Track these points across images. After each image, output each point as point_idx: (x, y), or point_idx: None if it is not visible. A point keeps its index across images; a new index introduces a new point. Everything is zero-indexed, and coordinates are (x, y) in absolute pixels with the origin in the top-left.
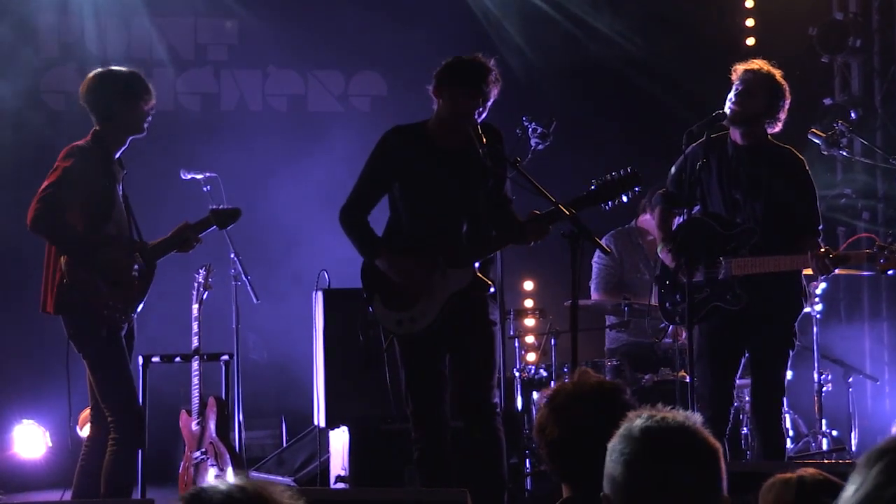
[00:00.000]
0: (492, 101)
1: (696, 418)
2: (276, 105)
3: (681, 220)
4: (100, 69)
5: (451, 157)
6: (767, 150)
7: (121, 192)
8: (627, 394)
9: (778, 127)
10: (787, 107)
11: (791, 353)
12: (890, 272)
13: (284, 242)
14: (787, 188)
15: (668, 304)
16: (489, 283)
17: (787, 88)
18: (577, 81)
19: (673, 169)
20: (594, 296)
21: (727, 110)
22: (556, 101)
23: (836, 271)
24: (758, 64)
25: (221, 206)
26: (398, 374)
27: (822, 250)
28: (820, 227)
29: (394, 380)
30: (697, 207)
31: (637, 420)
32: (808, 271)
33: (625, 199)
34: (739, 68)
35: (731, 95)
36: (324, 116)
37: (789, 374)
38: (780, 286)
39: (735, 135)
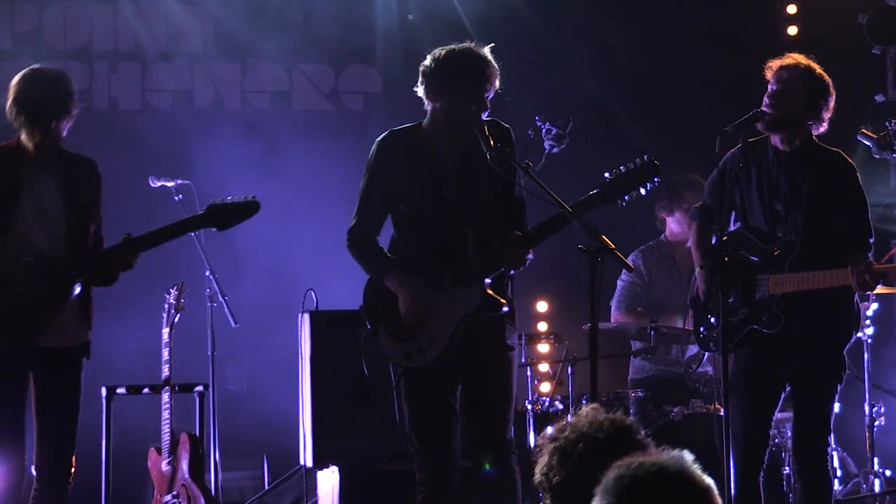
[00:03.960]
0: (493, 93)
1: (683, 458)
2: (257, 103)
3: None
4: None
5: (453, 161)
6: (811, 154)
7: (64, 198)
8: (640, 433)
9: (823, 127)
10: (832, 104)
11: (838, 385)
12: None
13: (267, 258)
14: (832, 197)
15: (702, 329)
16: (502, 301)
17: (831, 83)
18: (598, 74)
19: (710, 179)
20: (615, 317)
21: (759, 115)
22: (573, 97)
23: (879, 288)
24: (793, 58)
25: (226, 199)
26: (402, 407)
27: (863, 265)
28: (871, 240)
29: (401, 415)
30: (738, 224)
31: (614, 470)
32: None
33: (643, 191)
34: (774, 65)
35: (766, 98)
36: (311, 116)
37: (837, 407)
38: (825, 307)
39: (775, 139)
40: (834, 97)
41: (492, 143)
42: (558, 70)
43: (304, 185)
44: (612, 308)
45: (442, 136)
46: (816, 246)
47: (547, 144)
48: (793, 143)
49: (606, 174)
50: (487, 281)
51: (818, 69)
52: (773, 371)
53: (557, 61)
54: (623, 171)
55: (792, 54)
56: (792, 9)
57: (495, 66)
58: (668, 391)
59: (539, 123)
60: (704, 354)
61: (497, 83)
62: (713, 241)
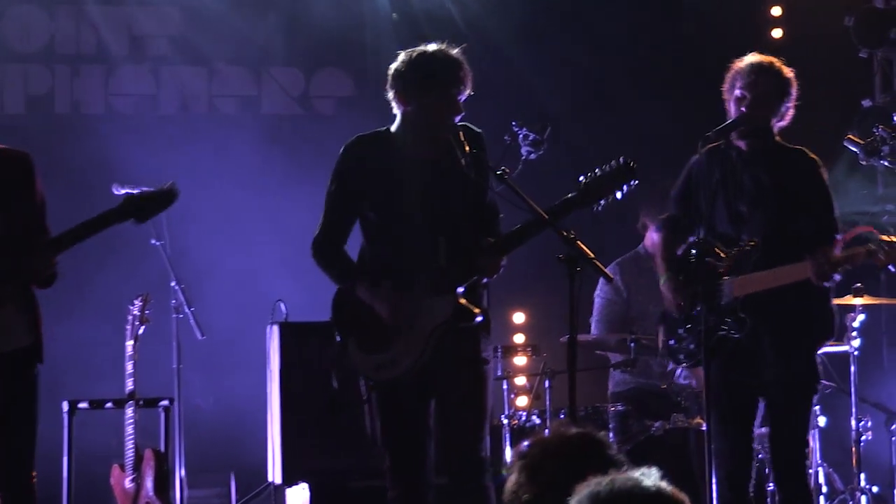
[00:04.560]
0: (466, 96)
1: (651, 475)
2: (225, 108)
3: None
4: None
5: (424, 168)
6: (775, 152)
7: None
8: (612, 448)
9: (786, 121)
10: (794, 96)
11: (813, 393)
12: (891, 268)
13: (234, 268)
14: (796, 194)
15: (671, 342)
16: (475, 311)
17: (794, 79)
18: (576, 77)
19: (675, 189)
20: (595, 333)
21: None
22: (551, 102)
23: (865, 298)
24: (762, 61)
25: (146, 190)
26: (373, 422)
27: (819, 254)
28: (837, 237)
29: (373, 430)
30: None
31: (588, 488)
32: (849, 299)
33: (619, 195)
34: (741, 68)
35: (742, 106)
36: (281, 120)
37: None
38: (793, 309)
39: (739, 141)
40: (796, 91)
41: (467, 148)
42: (536, 73)
43: (273, 192)
44: (592, 327)
45: (412, 141)
46: (780, 245)
47: (524, 150)
48: (755, 143)
49: (581, 177)
50: (460, 290)
51: (785, 69)
52: (745, 381)
53: (535, 64)
54: (598, 173)
55: (756, 55)
56: (776, 11)
57: (468, 68)
58: (649, 405)
59: (516, 128)
60: (677, 369)
61: (470, 86)
62: (679, 253)
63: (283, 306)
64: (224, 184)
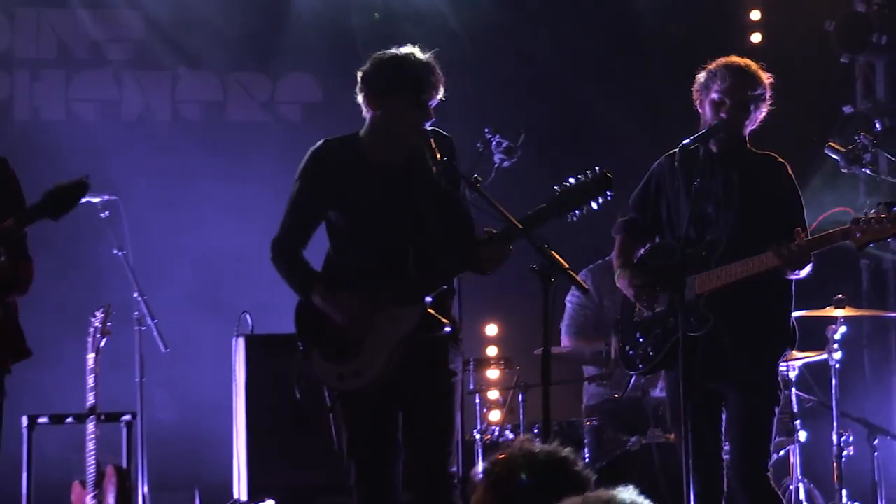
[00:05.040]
0: (437, 101)
1: (626, 492)
2: (189, 114)
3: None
4: None
5: (392, 173)
6: (744, 155)
7: None
8: (579, 465)
9: (757, 124)
10: (768, 100)
11: (776, 404)
12: (871, 245)
13: (198, 279)
14: (765, 195)
15: (628, 349)
16: (443, 321)
17: (769, 80)
18: (553, 83)
19: (636, 192)
20: (564, 341)
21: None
22: (525, 108)
23: (847, 309)
24: (737, 64)
25: (59, 183)
26: (339, 434)
27: (786, 241)
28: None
29: (339, 443)
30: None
31: None
32: (830, 310)
33: (594, 205)
34: (718, 72)
35: (720, 111)
36: (246, 127)
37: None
38: (756, 310)
39: (710, 144)
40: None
41: (438, 155)
42: (511, 78)
43: (239, 200)
44: (562, 332)
45: (381, 146)
46: (746, 242)
47: (497, 158)
48: (726, 145)
49: (556, 187)
50: (428, 300)
51: (762, 72)
52: (707, 385)
53: (511, 70)
54: (573, 183)
55: (732, 58)
56: (755, 15)
57: (440, 72)
58: (625, 419)
59: (489, 135)
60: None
61: (441, 91)
62: (636, 257)
63: (248, 318)
64: (188, 191)
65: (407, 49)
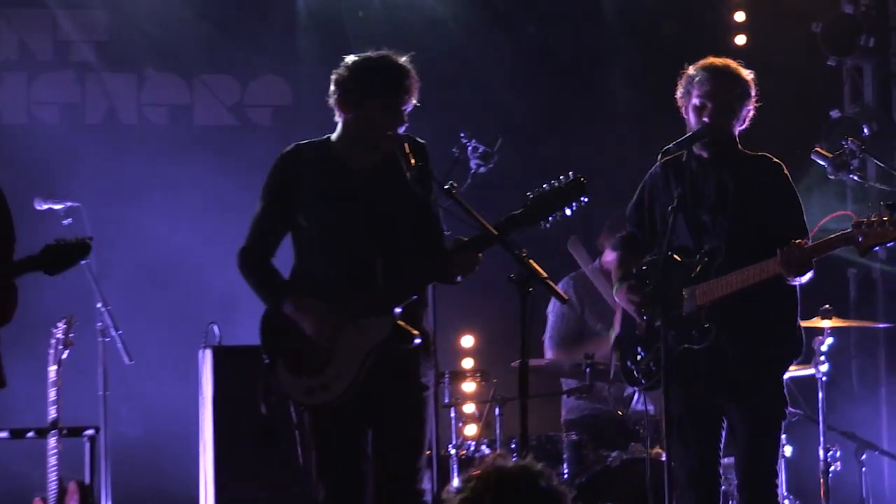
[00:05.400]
0: (411, 106)
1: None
2: (155, 117)
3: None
4: None
5: (364, 179)
6: (737, 158)
7: None
8: (554, 480)
9: (746, 124)
10: (754, 98)
11: (782, 419)
12: (876, 248)
13: (164, 288)
14: (760, 198)
15: (629, 364)
16: (413, 332)
17: (752, 79)
18: (529, 85)
19: (631, 203)
20: (549, 354)
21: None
22: (502, 112)
23: (834, 320)
24: (719, 65)
25: (61, 240)
26: (307, 450)
27: (789, 245)
28: (807, 242)
29: (307, 459)
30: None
31: None
32: (816, 321)
33: (568, 212)
34: (698, 76)
35: (702, 115)
36: (214, 131)
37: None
38: (760, 319)
39: (699, 150)
40: (756, 92)
41: (413, 161)
42: (486, 83)
43: (206, 207)
44: (546, 344)
45: (353, 152)
46: (745, 249)
47: (473, 163)
48: (716, 150)
49: (529, 193)
50: (398, 311)
51: (743, 71)
52: (710, 398)
53: (486, 74)
54: (547, 189)
55: (714, 59)
56: (740, 16)
57: (415, 76)
58: (605, 433)
59: (465, 140)
60: (634, 395)
61: (416, 95)
62: (634, 271)
63: (216, 329)
64: (154, 198)
65: (381, 52)
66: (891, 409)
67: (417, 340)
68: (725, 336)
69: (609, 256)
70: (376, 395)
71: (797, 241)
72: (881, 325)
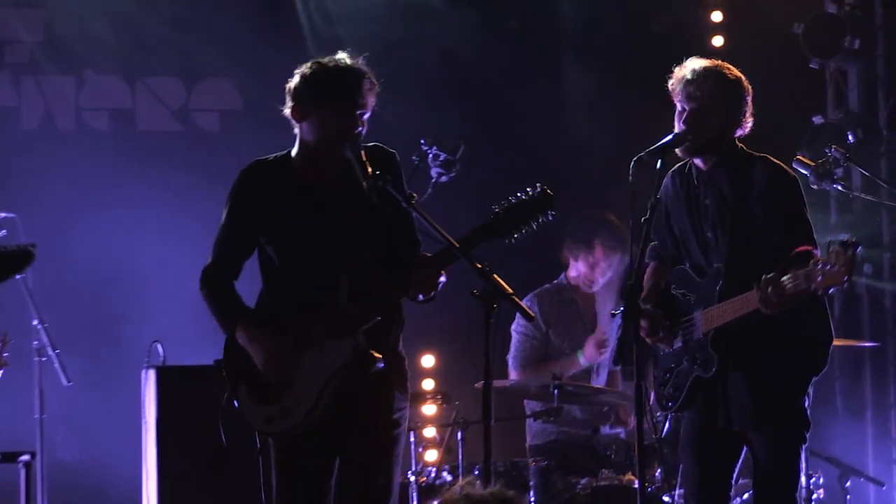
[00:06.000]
0: (369, 113)
1: None
2: (95, 122)
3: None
4: None
5: (324, 195)
6: (734, 167)
7: None
8: None
9: (745, 128)
10: (750, 102)
11: (799, 443)
12: (830, 290)
13: (105, 304)
14: (758, 210)
15: (659, 387)
16: (375, 356)
17: (744, 78)
18: (491, 89)
19: (650, 216)
20: (512, 375)
21: (679, 140)
22: (463, 118)
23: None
24: (698, 66)
25: (1, 247)
26: (267, 480)
27: (766, 281)
28: (816, 253)
29: (266, 490)
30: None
31: None
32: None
33: (534, 226)
34: (677, 78)
35: (680, 121)
36: (158, 137)
37: None
38: (768, 341)
39: (697, 160)
40: (751, 93)
41: (370, 170)
42: (449, 89)
43: (150, 218)
44: (509, 364)
45: (312, 166)
46: (745, 270)
47: (434, 172)
48: (713, 160)
49: (495, 206)
50: (362, 333)
51: (728, 69)
52: (725, 428)
53: (449, 76)
54: (513, 202)
55: (693, 60)
56: (717, 16)
57: (373, 81)
58: (574, 459)
59: (425, 148)
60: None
61: (373, 101)
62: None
63: (160, 348)
64: (94, 208)
65: (336, 57)
66: (877, 432)
67: (380, 365)
68: (733, 362)
69: (574, 271)
70: (341, 425)
71: (772, 279)
72: (866, 344)
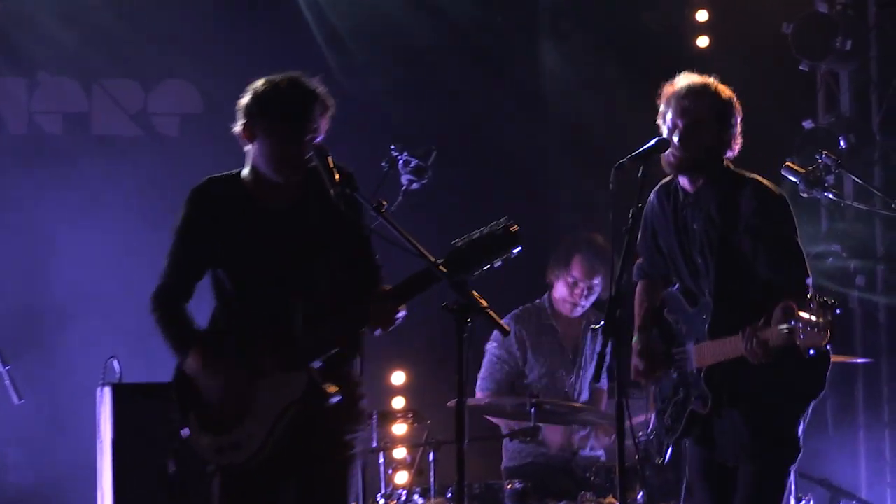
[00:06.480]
0: (323, 135)
1: None
2: (49, 126)
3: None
4: None
5: (276, 219)
6: (722, 188)
7: None
8: None
9: (734, 150)
10: (741, 123)
11: (784, 472)
12: (811, 352)
13: (58, 318)
14: (745, 242)
15: (659, 413)
16: (330, 391)
17: (736, 100)
18: (464, 95)
19: (640, 234)
20: (478, 394)
21: (669, 157)
22: (435, 123)
23: None
24: (691, 81)
25: None
26: None
27: (751, 328)
28: (807, 281)
29: None
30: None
31: None
32: None
33: (499, 263)
34: (669, 92)
35: (673, 137)
36: (114, 142)
37: None
38: (760, 376)
39: (683, 180)
40: (742, 115)
41: (337, 177)
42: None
43: (106, 228)
44: (477, 384)
45: (264, 188)
46: (735, 301)
47: (404, 179)
48: (700, 181)
49: (456, 241)
50: (317, 364)
51: (721, 88)
52: (722, 461)
53: (419, 78)
54: (476, 237)
55: (686, 75)
56: (702, 16)
57: (327, 100)
58: (551, 481)
59: (395, 154)
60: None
61: (327, 120)
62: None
63: (116, 364)
64: (47, 216)
65: (289, 74)
66: (870, 453)
67: (336, 398)
68: (727, 397)
69: (556, 292)
70: (294, 459)
71: (756, 329)
72: (859, 361)
